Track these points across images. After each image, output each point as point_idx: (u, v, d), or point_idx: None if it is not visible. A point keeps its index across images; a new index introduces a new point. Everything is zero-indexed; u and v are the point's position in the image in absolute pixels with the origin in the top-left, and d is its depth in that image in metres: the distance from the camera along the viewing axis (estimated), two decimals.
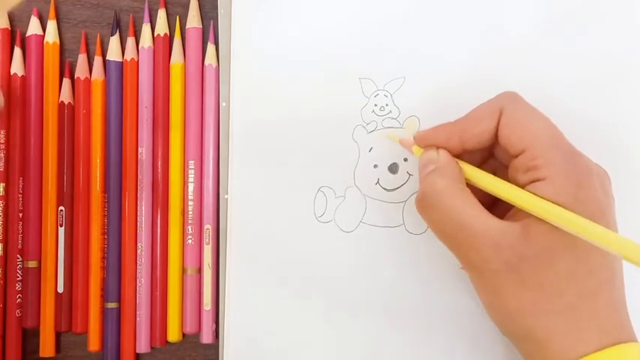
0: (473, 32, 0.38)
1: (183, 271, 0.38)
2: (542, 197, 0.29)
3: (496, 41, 0.37)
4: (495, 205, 0.33)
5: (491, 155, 0.34)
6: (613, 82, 0.37)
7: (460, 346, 0.37)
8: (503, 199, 0.31)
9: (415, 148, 0.34)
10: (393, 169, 0.37)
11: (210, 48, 0.39)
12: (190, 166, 0.38)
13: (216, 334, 0.38)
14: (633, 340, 0.29)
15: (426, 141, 0.33)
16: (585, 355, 0.28)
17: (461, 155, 0.32)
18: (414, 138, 0.34)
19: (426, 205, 0.31)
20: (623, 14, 0.38)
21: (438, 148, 0.32)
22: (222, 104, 0.38)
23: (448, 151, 0.32)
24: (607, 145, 0.37)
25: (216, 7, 0.39)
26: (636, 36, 0.37)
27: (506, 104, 0.31)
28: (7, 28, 0.39)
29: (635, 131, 0.37)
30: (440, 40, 0.38)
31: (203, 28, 0.39)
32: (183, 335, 0.39)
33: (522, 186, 0.30)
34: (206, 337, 0.38)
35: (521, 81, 0.37)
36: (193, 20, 0.39)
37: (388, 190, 0.37)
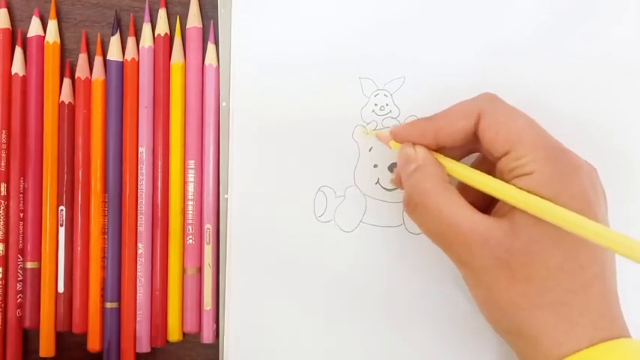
0: (473, 32, 0.37)
1: (184, 270, 0.38)
2: (524, 189, 0.29)
3: (496, 41, 0.37)
4: (492, 205, 0.33)
5: (472, 150, 0.34)
6: (613, 83, 0.37)
7: (460, 343, 0.37)
8: (484, 191, 0.31)
9: (392, 143, 0.34)
10: (393, 168, 0.37)
11: (210, 48, 0.39)
12: (190, 166, 0.38)
13: (217, 333, 0.38)
14: (625, 334, 0.29)
15: (401, 136, 0.33)
16: (577, 351, 0.28)
17: (439, 150, 0.32)
18: (390, 132, 0.34)
19: (413, 207, 0.31)
20: (623, 15, 0.37)
21: (414, 144, 0.32)
22: (222, 104, 0.38)
23: (424, 146, 0.32)
24: (606, 144, 0.37)
25: (216, 7, 0.39)
26: (636, 36, 0.37)
27: (485, 106, 0.31)
28: (9, 28, 0.39)
29: (634, 131, 0.37)
30: (440, 40, 0.38)
31: (203, 28, 0.39)
32: (184, 335, 0.39)
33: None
34: (206, 337, 0.38)
35: (520, 81, 0.37)
36: (194, 20, 0.39)
37: (388, 190, 0.37)
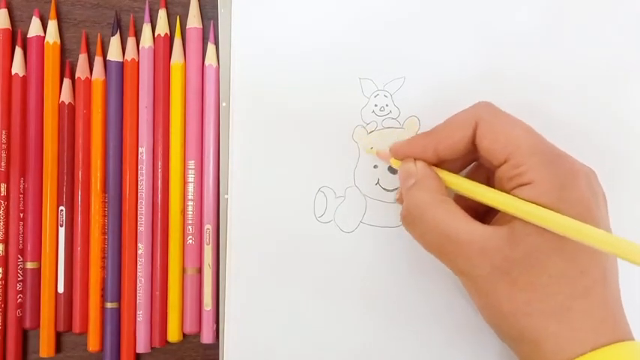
0: (473, 33, 0.38)
1: (184, 271, 0.38)
2: (525, 200, 0.29)
3: (496, 42, 0.37)
4: (489, 214, 0.33)
5: (473, 160, 0.34)
6: (612, 83, 0.37)
7: (460, 344, 0.37)
8: (485, 203, 0.31)
9: (393, 160, 0.34)
10: (393, 169, 0.37)
11: (210, 48, 0.39)
12: (190, 166, 0.38)
13: (217, 333, 0.38)
14: (629, 337, 0.29)
15: (401, 154, 0.33)
16: (580, 355, 0.28)
17: (439, 165, 0.33)
18: (390, 150, 0.34)
19: (410, 220, 0.32)
20: (622, 15, 0.37)
21: (415, 159, 0.33)
22: (222, 104, 0.38)
23: (425, 161, 0.32)
24: (606, 145, 0.37)
25: (216, 7, 0.39)
26: (635, 37, 0.37)
27: (481, 115, 0.31)
28: (9, 29, 0.39)
29: (633, 133, 0.37)
30: (440, 41, 0.38)
31: (203, 28, 0.39)
32: (184, 335, 0.39)
33: (507, 192, 0.30)
34: (206, 337, 0.38)
35: (521, 81, 0.37)
36: (193, 20, 0.39)
37: (388, 190, 0.37)
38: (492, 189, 0.31)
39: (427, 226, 0.31)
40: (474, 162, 0.35)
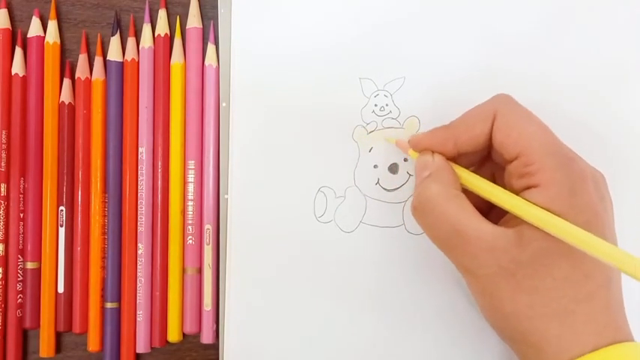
0: (473, 33, 0.38)
1: (184, 271, 0.38)
2: (535, 204, 0.29)
3: (496, 41, 0.37)
4: (492, 210, 0.33)
5: (490, 155, 0.34)
6: (612, 84, 0.37)
7: (461, 344, 0.37)
8: (497, 205, 0.30)
9: (411, 152, 0.34)
10: (393, 169, 0.37)
11: (210, 48, 0.39)
12: (190, 166, 0.38)
13: (217, 333, 0.38)
14: (629, 339, 0.29)
15: (421, 146, 0.33)
16: (581, 356, 0.28)
17: (457, 158, 0.32)
18: (409, 142, 0.34)
19: (420, 211, 0.31)
20: (622, 16, 0.37)
21: (433, 152, 0.33)
22: (222, 104, 0.38)
23: (443, 154, 0.32)
24: (605, 146, 0.37)
25: (216, 7, 0.39)
26: (635, 37, 0.37)
27: (499, 108, 0.31)
28: (9, 28, 0.39)
29: (634, 133, 0.37)
30: (440, 41, 0.38)
31: (203, 28, 0.39)
32: (184, 335, 0.39)
33: (517, 191, 0.30)
34: (206, 337, 0.38)
35: (521, 81, 0.37)
36: (193, 20, 0.39)
37: (388, 190, 0.37)
38: (505, 191, 0.30)
39: (437, 218, 0.31)
40: (491, 158, 0.34)
